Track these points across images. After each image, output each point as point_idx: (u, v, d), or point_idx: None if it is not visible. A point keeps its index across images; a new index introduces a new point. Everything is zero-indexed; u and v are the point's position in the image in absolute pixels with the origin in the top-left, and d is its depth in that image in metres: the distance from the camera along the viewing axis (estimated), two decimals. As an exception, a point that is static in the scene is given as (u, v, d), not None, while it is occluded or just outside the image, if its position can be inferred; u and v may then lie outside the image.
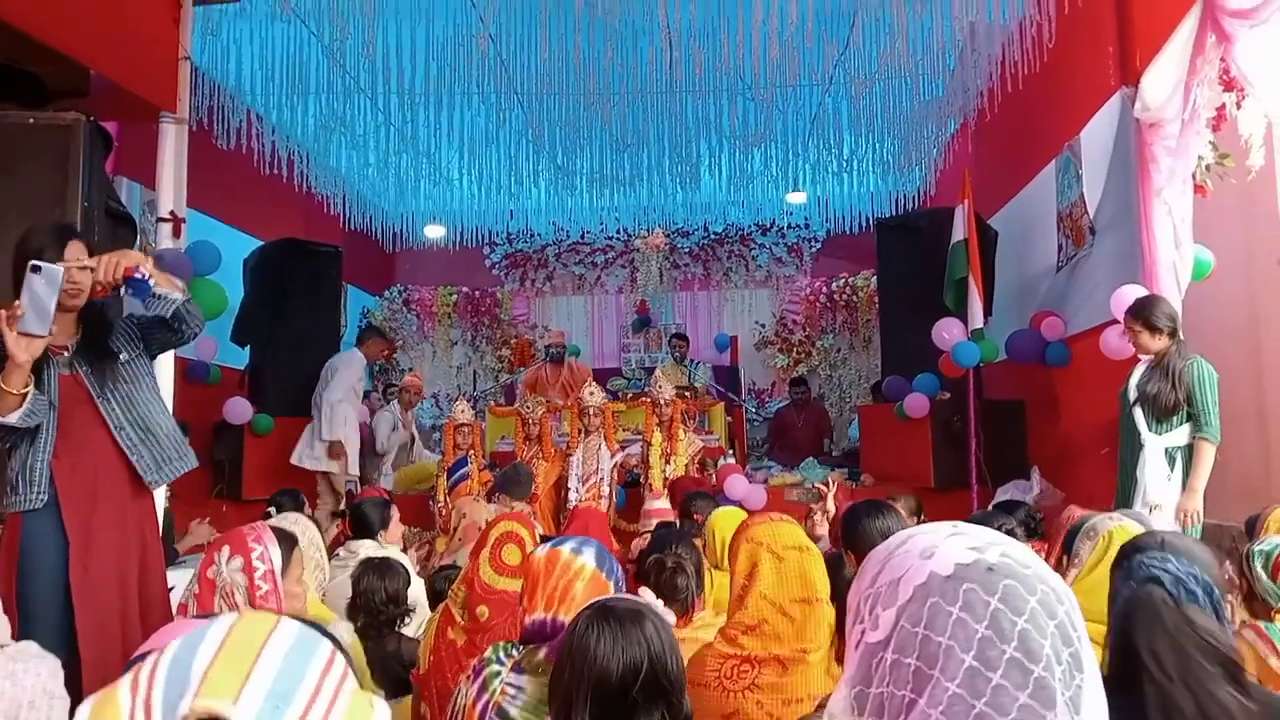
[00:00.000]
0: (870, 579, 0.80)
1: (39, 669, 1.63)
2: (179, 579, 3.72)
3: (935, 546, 0.78)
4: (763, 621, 2.04)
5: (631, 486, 7.12)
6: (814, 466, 7.69)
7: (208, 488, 7.23)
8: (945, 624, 0.74)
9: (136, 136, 4.98)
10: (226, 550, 2.19)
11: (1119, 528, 2.19)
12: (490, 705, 1.76)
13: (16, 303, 2.43)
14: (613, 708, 1.42)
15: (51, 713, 1.58)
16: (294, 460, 7.06)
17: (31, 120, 3.16)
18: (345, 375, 7.14)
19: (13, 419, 2.54)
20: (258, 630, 0.76)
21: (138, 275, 2.61)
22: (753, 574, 2.09)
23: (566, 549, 1.97)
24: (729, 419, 8.97)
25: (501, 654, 1.87)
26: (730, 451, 8.17)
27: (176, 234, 3.59)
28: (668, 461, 6.78)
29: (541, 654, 1.78)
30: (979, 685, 0.72)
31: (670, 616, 1.69)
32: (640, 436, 7.15)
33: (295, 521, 3.27)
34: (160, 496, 3.87)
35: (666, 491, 6.49)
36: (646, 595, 2.17)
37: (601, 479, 6.83)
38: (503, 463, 7.57)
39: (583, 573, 1.91)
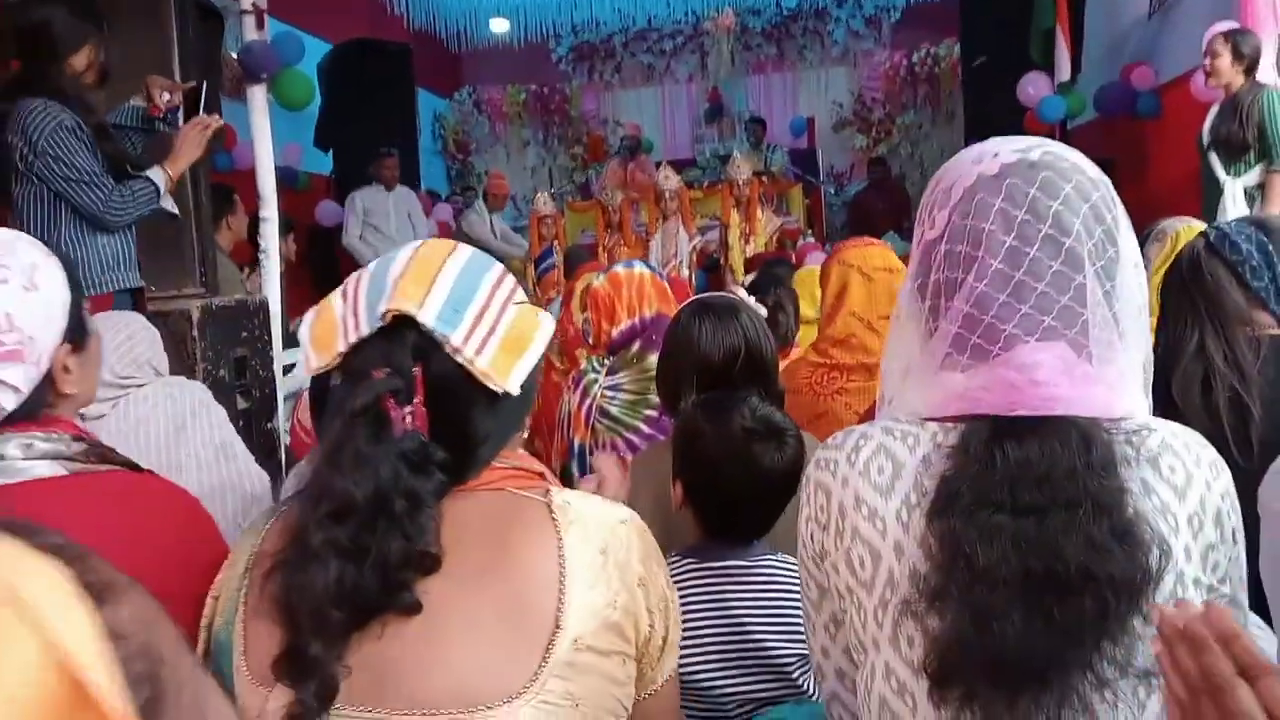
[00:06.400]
0: (931, 189, 0.93)
1: (192, 389, 1.86)
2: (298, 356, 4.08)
3: (985, 153, 0.90)
4: (851, 335, 2.20)
5: (711, 271, 7.26)
6: (895, 239, 7.70)
7: (309, 289, 7.65)
8: (989, 213, 0.86)
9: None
10: None
11: (1186, 228, 2.26)
12: (593, 407, 2.02)
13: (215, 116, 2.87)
14: (715, 386, 1.61)
15: (211, 416, 1.83)
16: None
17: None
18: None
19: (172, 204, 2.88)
20: (439, 251, 0.95)
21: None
22: (843, 294, 2.23)
23: (620, 269, 2.24)
24: (807, 201, 8.93)
25: (595, 363, 2.13)
26: (809, 232, 8.21)
27: (260, 25, 3.68)
28: (747, 241, 6.88)
29: (635, 348, 2.03)
30: (1018, 259, 0.85)
31: (762, 310, 1.88)
32: (718, 221, 7.22)
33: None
34: (276, 296, 4.16)
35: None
36: (740, 293, 2.36)
37: (680, 262, 6.99)
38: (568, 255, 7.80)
39: (645, 277, 2.19)
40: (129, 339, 1.72)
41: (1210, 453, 0.90)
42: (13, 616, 0.27)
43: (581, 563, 0.90)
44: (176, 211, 2.88)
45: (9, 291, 1.08)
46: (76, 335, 1.18)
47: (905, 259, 4.52)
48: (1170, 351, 1.48)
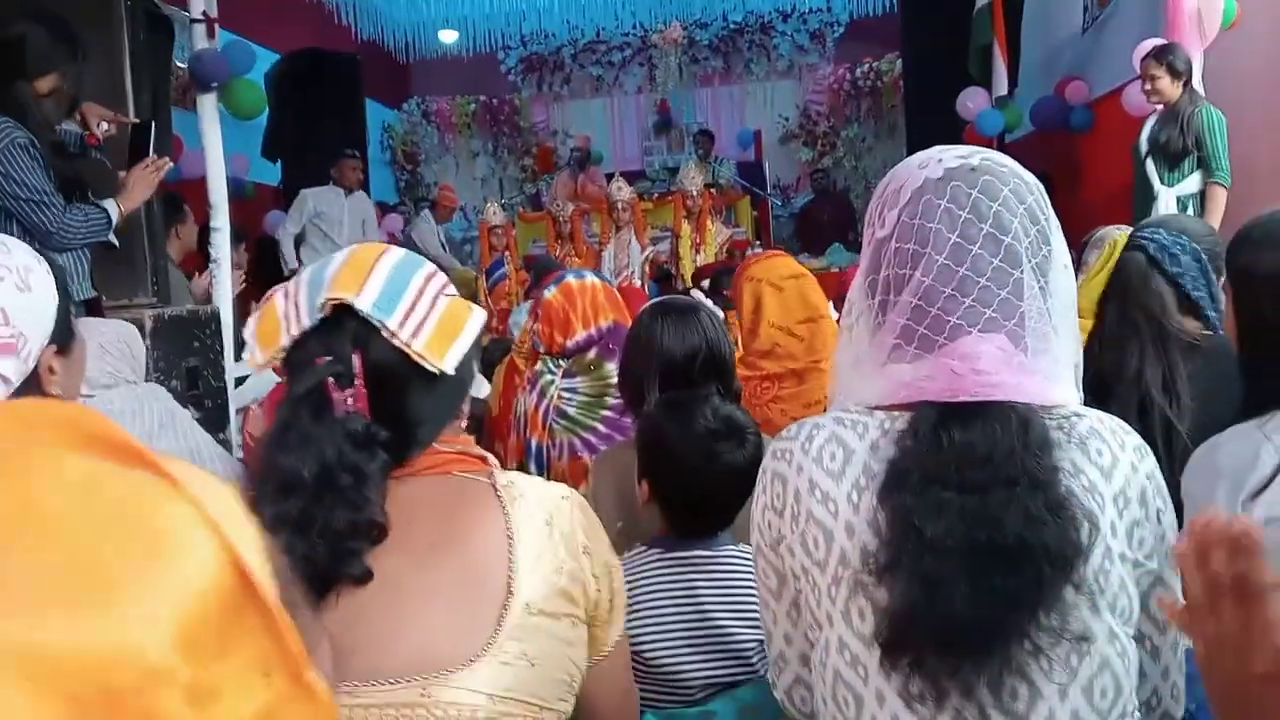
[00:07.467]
0: (880, 192, 1.01)
1: (158, 395, 1.90)
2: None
3: (930, 158, 0.98)
4: (775, 346, 2.28)
5: (663, 281, 7.34)
6: (840, 251, 7.86)
7: (259, 299, 7.57)
8: (935, 213, 0.94)
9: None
10: None
11: (1124, 235, 2.37)
12: (550, 408, 2.06)
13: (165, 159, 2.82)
14: (677, 383, 1.67)
15: (178, 424, 1.89)
16: None
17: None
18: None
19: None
20: (372, 251, 1.01)
21: None
22: (758, 308, 2.31)
23: (571, 279, 2.25)
24: (754, 213, 9.06)
25: (551, 365, 2.17)
26: (757, 243, 8.33)
27: (211, 35, 3.67)
28: (698, 252, 6.97)
29: (590, 355, 2.07)
30: (961, 255, 0.93)
31: (719, 312, 1.95)
32: (669, 232, 7.30)
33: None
34: (228, 306, 4.14)
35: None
36: (697, 295, 2.43)
37: (633, 273, 7.06)
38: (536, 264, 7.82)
39: (596, 287, 2.22)
40: (100, 347, 1.74)
41: (1135, 438, 0.98)
42: (198, 520, 0.32)
43: (528, 533, 0.97)
44: (116, 243, 2.85)
45: (5, 289, 1.11)
46: (63, 338, 1.22)
47: (853, 269, 4.65)
48: (1109, 373, 1.55)
